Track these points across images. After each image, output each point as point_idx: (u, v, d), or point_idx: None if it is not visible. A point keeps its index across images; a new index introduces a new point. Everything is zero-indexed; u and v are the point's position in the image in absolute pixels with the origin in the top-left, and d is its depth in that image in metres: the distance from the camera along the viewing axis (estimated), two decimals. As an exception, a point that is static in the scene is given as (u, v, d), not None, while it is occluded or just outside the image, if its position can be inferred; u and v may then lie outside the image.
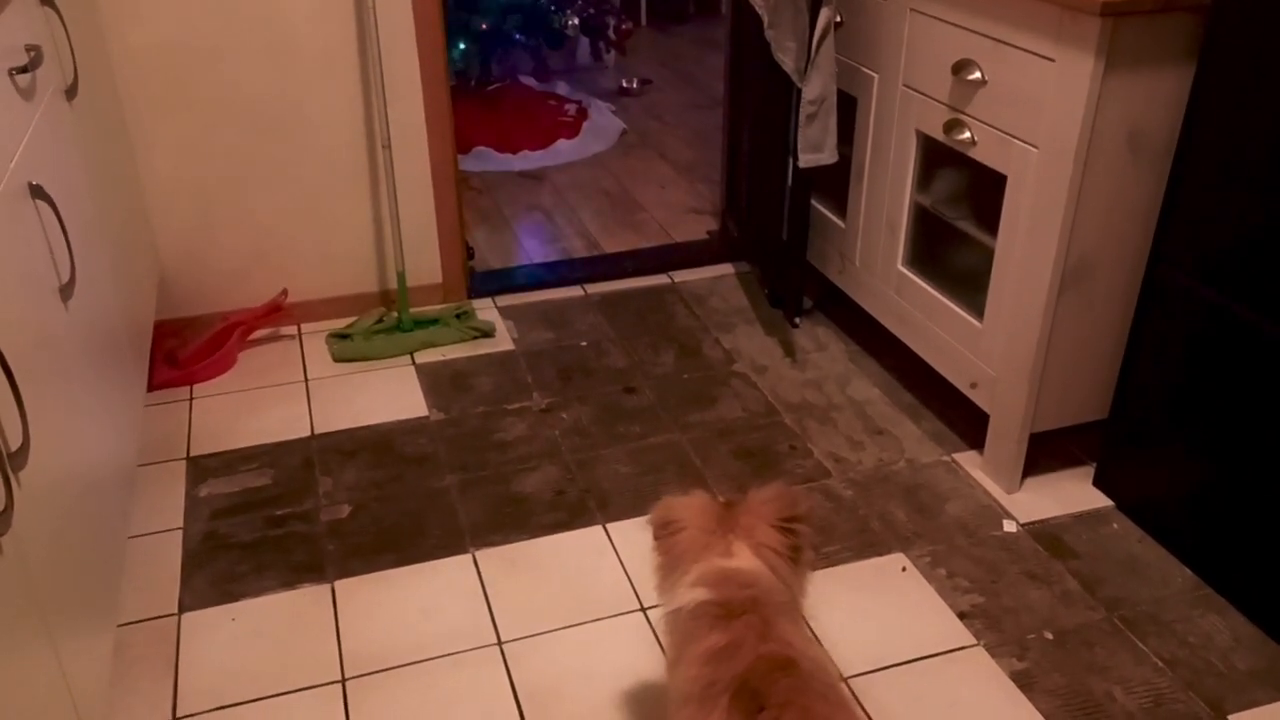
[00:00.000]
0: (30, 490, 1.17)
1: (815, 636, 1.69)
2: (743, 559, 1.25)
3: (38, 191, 1.41)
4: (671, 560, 1.27)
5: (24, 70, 1.45)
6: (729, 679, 1.11)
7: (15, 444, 1.12)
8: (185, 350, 2.45)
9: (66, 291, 1.48)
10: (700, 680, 1.14)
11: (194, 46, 2.34)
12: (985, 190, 1.96)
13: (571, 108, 4.22)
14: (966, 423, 2.21)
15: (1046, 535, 1.93)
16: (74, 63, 1.83)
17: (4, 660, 1.04)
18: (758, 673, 1.11)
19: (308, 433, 2.24)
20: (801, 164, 2.24)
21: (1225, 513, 1.75)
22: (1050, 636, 1.71)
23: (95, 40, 2.16)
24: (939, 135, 2.04)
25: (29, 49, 1.51)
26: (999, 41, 1.83)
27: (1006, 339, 1.94)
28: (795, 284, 2.59)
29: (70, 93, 1.77)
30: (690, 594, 1.22)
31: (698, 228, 3.22)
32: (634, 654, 1.68)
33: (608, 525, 1.96)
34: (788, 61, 2.21)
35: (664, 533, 1.29)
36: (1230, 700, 1.58)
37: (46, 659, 1.17)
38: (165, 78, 2.35)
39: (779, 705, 1.07)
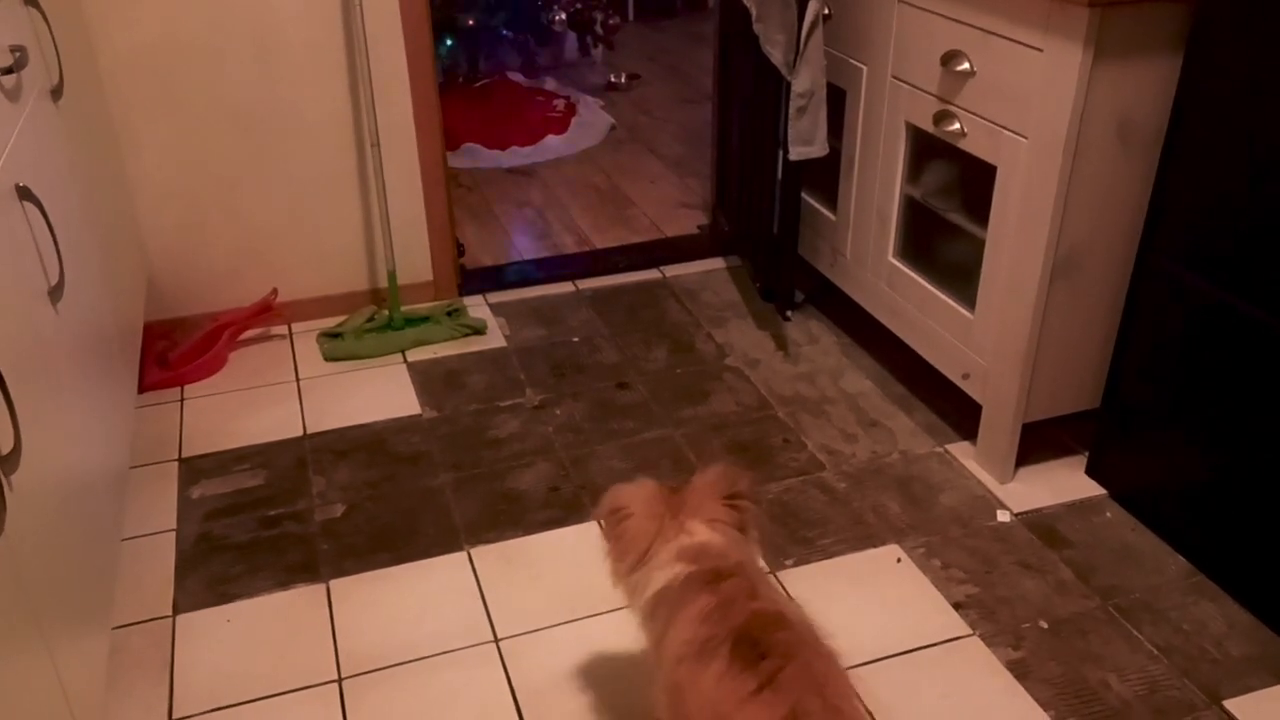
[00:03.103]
0: (22, 494, 1.16)
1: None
2: (703, 534, 1.28)
3: (25, 193, 1.40)
4: (623, 546, 1.30)
5: (9, 71, 1.44)
6: (726, 632, 1.14)
7: (6, 447, 1.12)
8: (175, 351, 2.44)
9: (56, 294, 1.48)
10: (696, 640, 1.16)
11: (181, 47, 2.33)
12: (975, 181, 1.96)
13: (560, 103, 4.21)
14: (959, 414, 2.21)
15: (1040, 525, 1.93)
16: (59, 64, 1.82)
17: (-2, 665, 1.04)
18: (755, 625, 1.14)
19: (300, 432, 2.23)
20: (792, 157, 2.24)
21: (1218, 500, 1.76)
22: (1045, 626, 1.71)
23: (81, 41, 2.15)
24: (928, 127, 2.04)
25: (13, 50, 1.50)
26: (987, 32, 1.83)
27: (998, 330, 1.95)
28: (787, 278, 2.59)
29: (56, 94, 1.76)
30: (672, 570, 1.25)
31: (688, 222, 3.21)
32: (631, 649, 1.68)
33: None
34: (776, 55, 2.21)
35: (613, 519, 1.32)
36: (1225, 686, 1.59)
37: (41, 663, 1.17)
38: (152, 78, 2.34)
39: (781, 656, 1.10)
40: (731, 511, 1.32)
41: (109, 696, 1.60)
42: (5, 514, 1.08)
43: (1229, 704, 1.56)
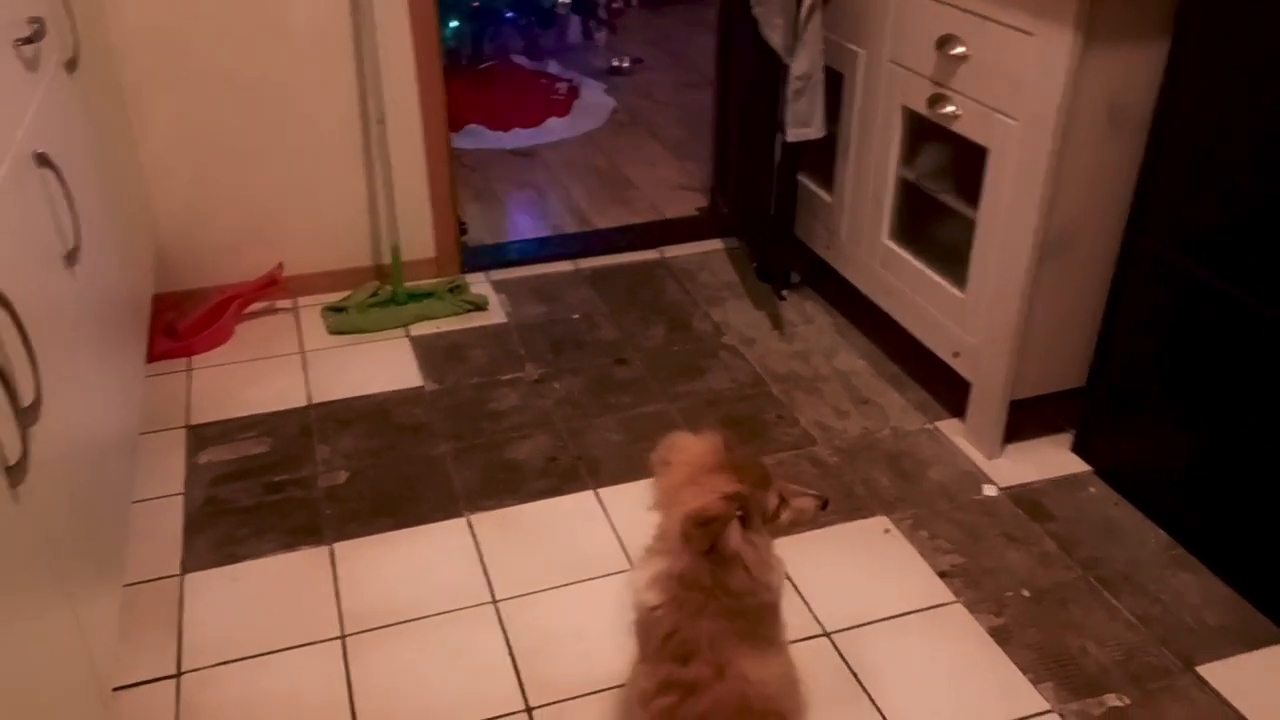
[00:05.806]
0: (41, 446, 1.21)
1: (800, 594, 1.75)
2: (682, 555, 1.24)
3: (43, 160, 1.44)
4: (654, 491, 1.28)
5: (28, 41, 1.48)
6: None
7: (28, 399, 1.17)
8: (183, 322, 2.49)
9: (72, 258, 1.52)
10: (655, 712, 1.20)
11: (190, 23, 2.36)
12: (968, 163, 2.00)
13: (563, 86, 4.25)
14: (949, 391, 2.25)
15: (1026, 499, 1.98)
16: (75, 36, 1.86)
17: (27, 609, 1.09)
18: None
19: (304, 402, 2.28)
20: (790, 138, 2.28)
21: (1199, 476, 1.81)
22: (1027, 594, 1.76)
23: (94, 16, 2.19)
24: (923, 110, 2.08)
25: (32, 21, 1.54)
26: (981, 17, 1.87)
27: (988, 309, 1.99)
28: (783, 258, 2.63)
29: (71, 66, 1.80)
30: (653, 593, 1.25)
31: (688, 204, 3.25)
32: (623, 612, 1.72)
33: (599, 490, 2.01)
34: (775, 38, 2.25)
35: (659, 465, 1.29)
36: (1199, 654, 1.64)
37: (63, 611, 1.22)
38: (162, 54, 2.38)
39: None
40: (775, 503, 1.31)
41: (120, 649, 1.64)
42: (28, 462, 1.12)
43: (1202, 670, 1.61)
